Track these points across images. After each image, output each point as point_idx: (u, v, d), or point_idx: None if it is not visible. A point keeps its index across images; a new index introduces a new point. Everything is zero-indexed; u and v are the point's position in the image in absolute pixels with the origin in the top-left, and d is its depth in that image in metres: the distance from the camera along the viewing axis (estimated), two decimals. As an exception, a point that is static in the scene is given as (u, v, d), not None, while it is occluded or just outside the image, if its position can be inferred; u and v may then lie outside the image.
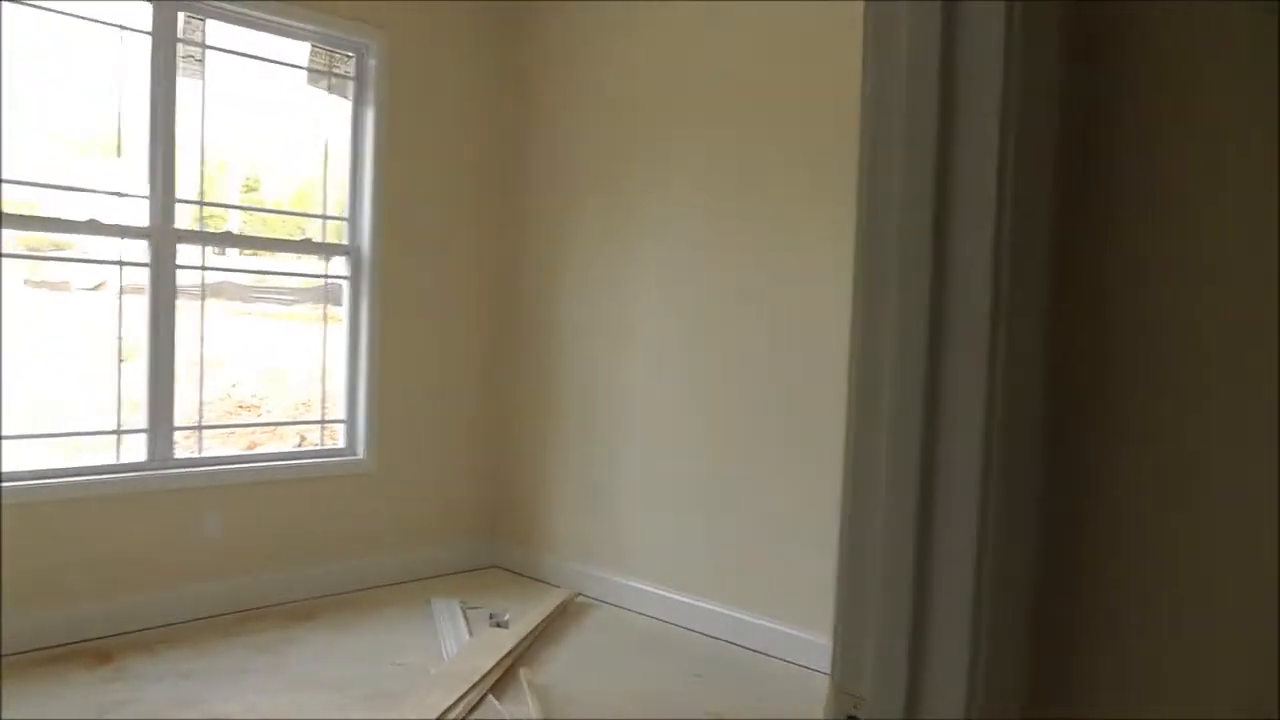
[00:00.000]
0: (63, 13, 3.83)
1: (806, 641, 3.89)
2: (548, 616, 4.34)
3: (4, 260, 3.94)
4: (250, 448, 5.13)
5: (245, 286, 6.91)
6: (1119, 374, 0.91)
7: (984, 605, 0.87)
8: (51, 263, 4.51)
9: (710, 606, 4.27)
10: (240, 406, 6.38)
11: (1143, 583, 0.90)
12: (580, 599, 4.69)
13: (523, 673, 3.75)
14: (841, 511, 0.94)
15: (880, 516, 0.91)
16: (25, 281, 4.93)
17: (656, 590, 4.47)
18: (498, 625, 4.22)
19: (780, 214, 4.04)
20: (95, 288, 5.73)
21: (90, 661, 3.71)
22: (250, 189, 6.80)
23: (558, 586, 4.80)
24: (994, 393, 0.86)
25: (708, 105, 4.28)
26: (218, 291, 6.38)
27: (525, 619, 4.27)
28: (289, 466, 4.53)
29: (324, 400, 4.77)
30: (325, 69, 4.58)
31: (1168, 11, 0.90)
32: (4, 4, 3.65)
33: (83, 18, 3.87)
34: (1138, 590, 0.91)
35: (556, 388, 4.92)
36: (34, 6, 3.76)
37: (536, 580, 4.95)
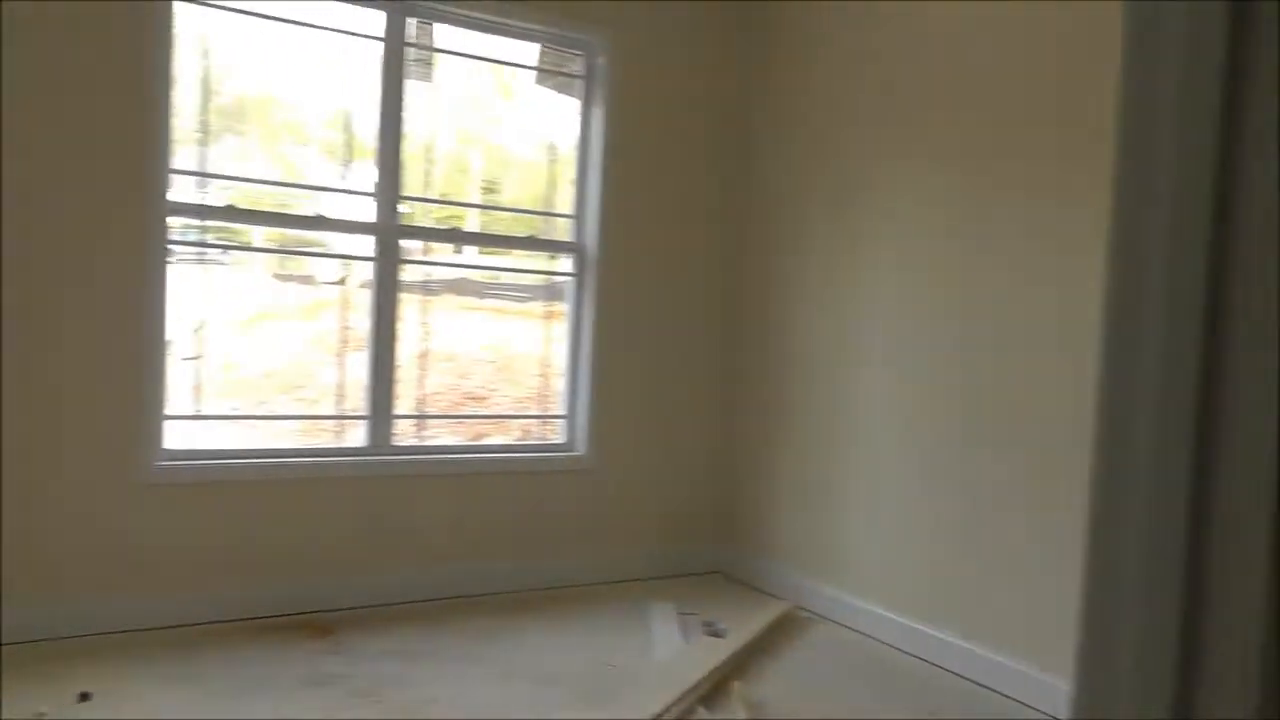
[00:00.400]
0: (300, 23, 4.02)
1: (1051, 686, 3.52)
2: (765, 629, 4.18)
3: (254, 255, 4.17)
4: (476, 438, 5.26)
5: (479, 282, 7.14)
6: None
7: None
8: (295, 258, 4.75)
9: (941, 635, 3.96)
10: (468, 398, 6.63)
11: None
12: (802, 613, 4.49)
13: (736, 686, 3.61)
14: (1089, 531, 0.82)
15: (1137, 539, 0.79)
16: (274, 275, 5.33)
17: (883, 612, 4.20)
18: (713, 634, 4.10)
19: (1030, 219, 3.69)
20: (339, 281, 6.07)
21: (310, 633, 3.87)
22: (490, 190, 7.00)
23: (778, 598, 4.62)
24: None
25: (952, 106, 3.98)
26: (454, 287, 6.61)
27: (742, 629, 4.12)
28: (507, 459, 4.59)
29: (546, 395, 4.81)
30: (554, 68, 4.60)
31: None
32: (247, 16, 3.87)
33: (318, 26, 4.04)
34: None
35: (783, 391, 4.74)
36: (274, 19, 3.96)
37: (756, 590, 4.79)
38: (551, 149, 4.79)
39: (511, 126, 4.89)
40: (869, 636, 4.22)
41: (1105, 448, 0.81)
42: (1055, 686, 3.47)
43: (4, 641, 3.47)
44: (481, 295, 7.51)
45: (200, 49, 3.94)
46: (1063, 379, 3.53)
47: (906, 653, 4.06)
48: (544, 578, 4.57)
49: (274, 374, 5.83)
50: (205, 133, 4.06)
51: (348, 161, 4.47)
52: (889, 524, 4.22)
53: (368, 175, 4.25)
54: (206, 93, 3.99)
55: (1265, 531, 0.72)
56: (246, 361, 4.87)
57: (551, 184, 4.79)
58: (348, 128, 4.35)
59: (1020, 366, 3.70)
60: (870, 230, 4.32)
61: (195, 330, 4.11)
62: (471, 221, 4.95)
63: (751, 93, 4.92)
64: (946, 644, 3.92)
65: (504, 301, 7.39)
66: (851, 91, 4.40)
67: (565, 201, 4.76)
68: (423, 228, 4.48)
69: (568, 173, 4.74)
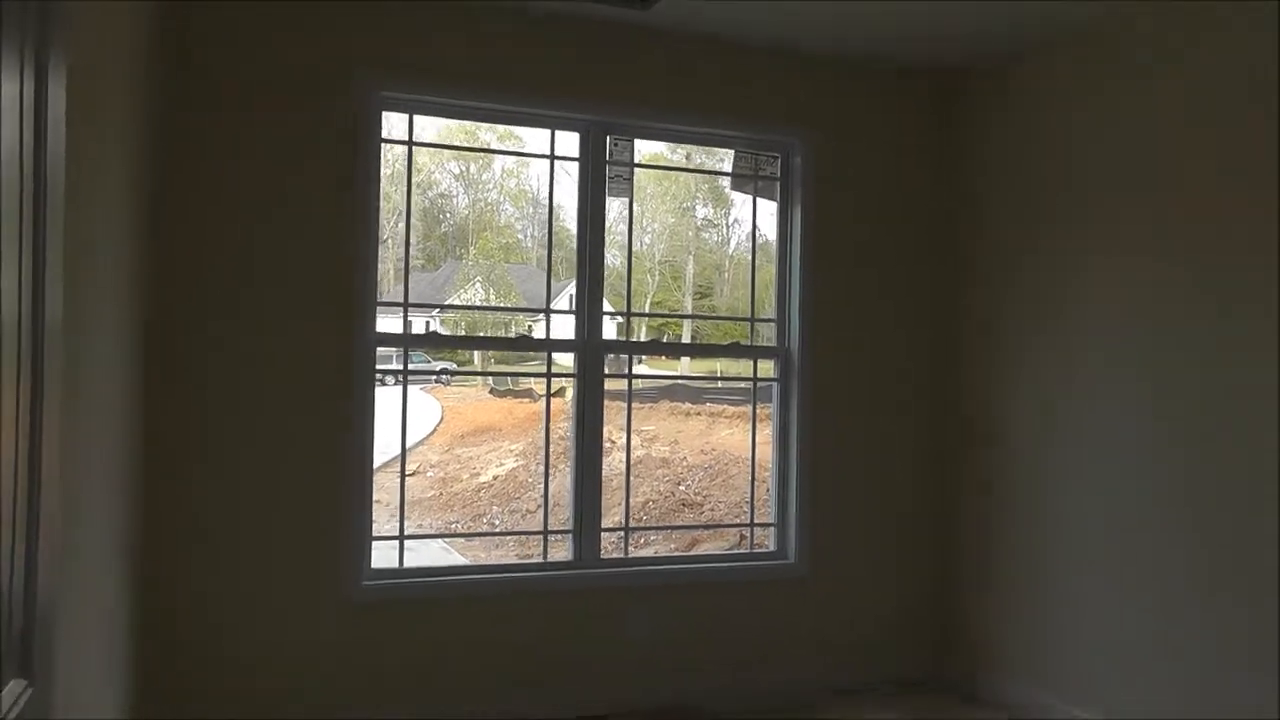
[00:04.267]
0: (500, 151, 4.23)
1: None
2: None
3: (470, 376, 4.33)
4: (690, 546, 5.21)
5: (694, 388, 7.17)
6: None
7: None
8: (508, 376, 4.92)
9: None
10: (683, 504, 6.62)
11: None
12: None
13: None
14: None
15: None
16: (491, 390, 5.63)
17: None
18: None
19: (1250, 301, 3.30)
20: (557, 393, 6.29)
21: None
22: (703, 294, 7.06)
23: (999, 710, 4.25)
24: None
25: (1181, 181, 3.66)
26: (669, 393, 6.66)
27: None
28: (716, 569, 4.47)
29: (754, 502, 4.69)
30: (751, 172, 4.61)
31: None
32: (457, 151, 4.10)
33: (517, 154, 4.24)
34: None
35: (1000, 489, 4.42)
36: (481, 150, 4.18)
37: (978, 701, 4.42)
38: (751, 253, 4.76)
39: (710, 232, 4.91)
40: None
41: None
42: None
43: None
44: (697, 400, 7.55)
45: (421, 183, 4.20)
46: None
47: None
48: (757, 689, 4.40)
49: (489, 486, 6.12)
50: (430, 259, 4.30)
51: (561, 278, 4.62)
52: (1111, 633, 3.82)
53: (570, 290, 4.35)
54: (430, 222, 4.23)
55: None
56: (462, 475, 5.15)
57: (751, 289, 4.74)
58: (562, 245, 4.50)
59: (1248, 460, 3.27)
60: (1084, 319, 4.00)
61: (413, 446, 4.31)
62: (692, 330, 4.97)
63: (950, 185, 4.73)
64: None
65: (719, 405, 7.40)
66: (1058, 173, 4.14)
67: (767, 304, 4.69)
68: (623, 341, 4.53)
69: (768, 275, 4.68)
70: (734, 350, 4.75)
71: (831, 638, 4.58)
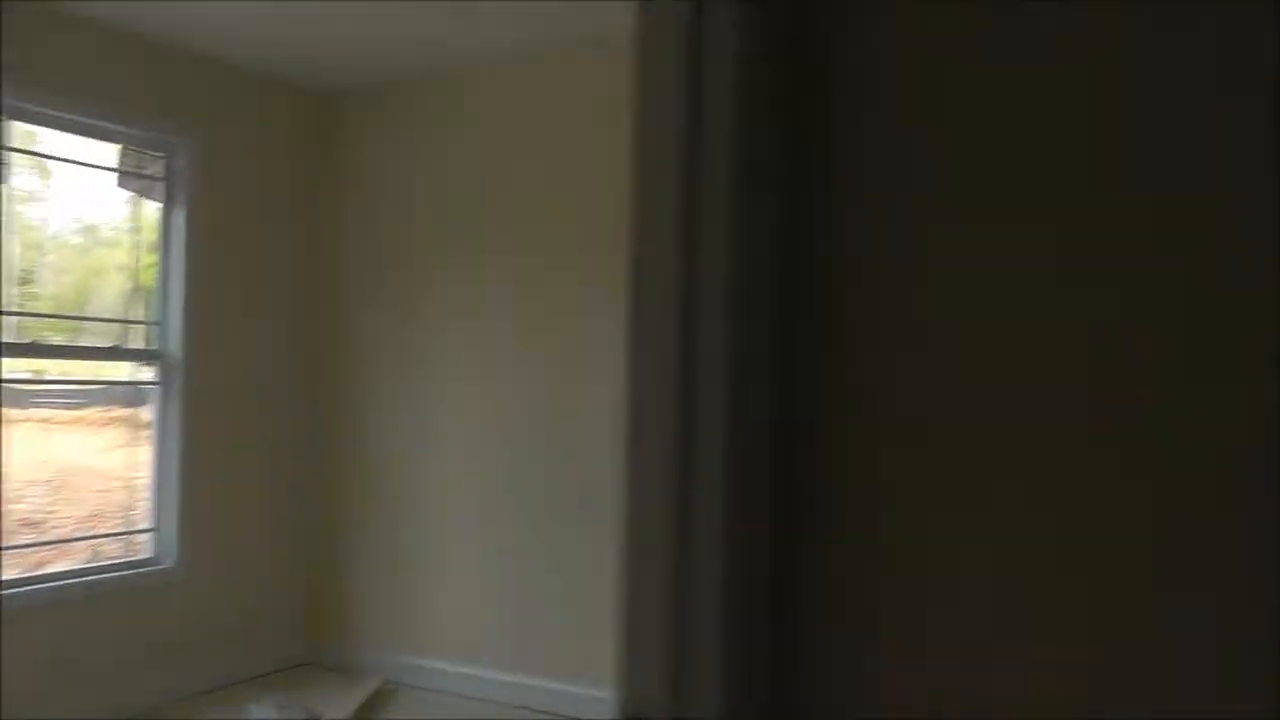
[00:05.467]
0: None
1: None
2: (360, 707, 4.40)
3: None
4: (37, 566, 4.81)
5: (17, 390, 6.39)
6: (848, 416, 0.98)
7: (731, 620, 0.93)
8: None
9: (520, 680, 4.51)
10: (24, 524, 5.83)
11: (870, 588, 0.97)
12: (394, 686, 4.76)
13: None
14: (619, 569, 0.97)
15: (651, 570, 0.95)
16: None
17: (471, 671, 4.65)
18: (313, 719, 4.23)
19: (571, 309, 4.45)
20: None
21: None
22: (25, 281, 6.48)
23: (369, 676, 4.83)
24: (731, 444, 0.93)
25: (516, 203, 4.63)
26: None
27: (338, 711, 4.30)
28: (95, 582, 4.32)
29: (130, 510, 4.59)
30: (135, 170, 4.55)
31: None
32: None
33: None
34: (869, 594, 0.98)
35: (365, 482, 5.02)
36: None
37: (350, 673, 4.94)
38: (135, 253, 4.65)
39: (90, 230, 4.71)
40: (459, 695, 4.64)
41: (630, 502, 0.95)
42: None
43: None
44: (21, 405, 6.66)
45: None
46: (597, 449, 4.32)
47: (495, 701, 4.55)
48: (143, 699, 4.36)
49: None
50: None
51: None
52: (462, 592, 4.73)
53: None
54: None
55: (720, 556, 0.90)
56: None
57: (133, 289, 4.64)
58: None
59: (564, 443, 4.45)
60: (443, 327, 4.82)
61: None
62: (15, 328, 4.62)
63: (337, 190, 5.17)
64: (527, 686, 4.50)
65: (49, 410, 6.64)
66: (429, 190, 4.88)
67: (148, 307, 4.65)
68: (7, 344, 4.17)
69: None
70: (113, 353, 4.61)
71: (216, 634, 4.71)
